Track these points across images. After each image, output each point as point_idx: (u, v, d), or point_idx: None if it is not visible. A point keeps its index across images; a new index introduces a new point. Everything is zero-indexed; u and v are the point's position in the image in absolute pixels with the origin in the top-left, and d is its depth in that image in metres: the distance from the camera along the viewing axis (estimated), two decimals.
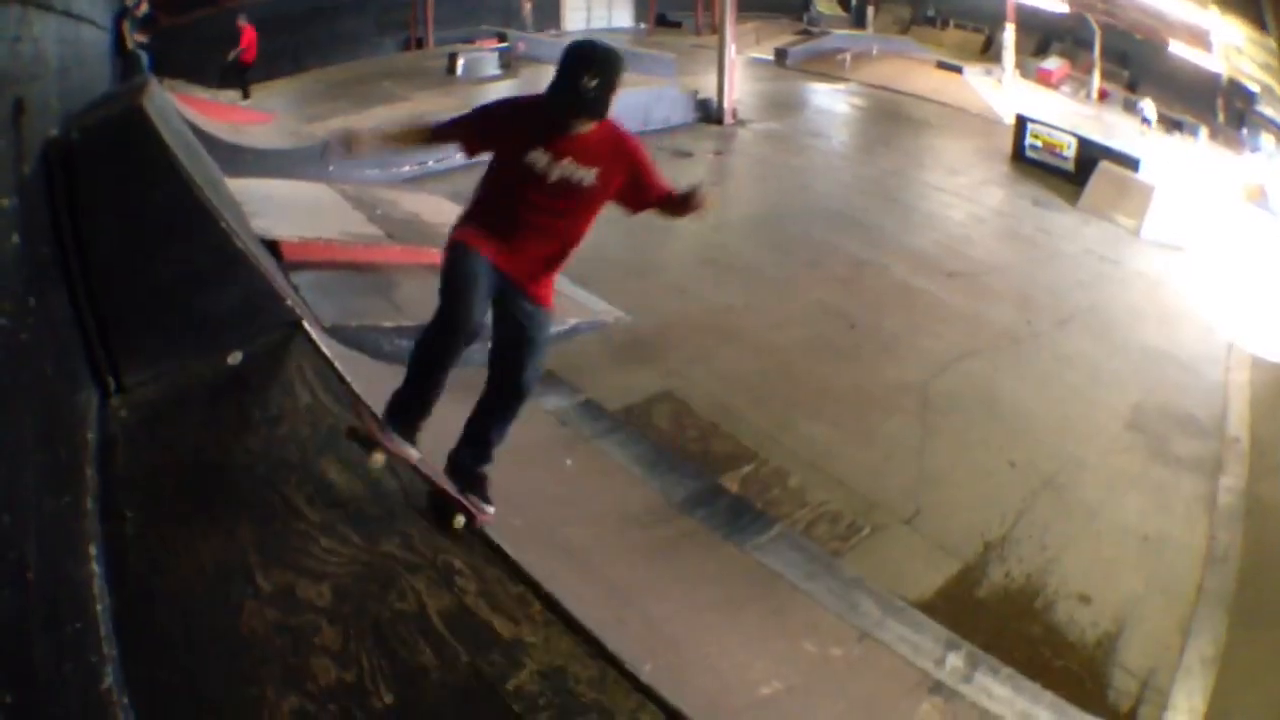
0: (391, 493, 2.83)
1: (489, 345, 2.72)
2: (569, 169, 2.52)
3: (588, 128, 2.53)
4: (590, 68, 2.43)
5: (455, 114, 2.74)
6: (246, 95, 12.97)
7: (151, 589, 2.30)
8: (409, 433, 2.64)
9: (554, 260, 2.66)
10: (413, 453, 2.64)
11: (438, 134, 2.79)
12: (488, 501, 2.81)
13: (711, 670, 3.00)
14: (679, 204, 2.65)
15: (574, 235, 2.65)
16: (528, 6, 21.98)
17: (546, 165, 2.51)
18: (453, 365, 2.56)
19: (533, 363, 2.65)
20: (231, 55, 12.95)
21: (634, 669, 2.36)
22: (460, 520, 2.74)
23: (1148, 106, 17.17)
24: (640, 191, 2.66)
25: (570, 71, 2.44)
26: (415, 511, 2.77)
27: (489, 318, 2.66)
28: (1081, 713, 3.33)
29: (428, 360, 2.58)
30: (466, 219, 2.64)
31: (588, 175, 2.54)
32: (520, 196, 2.54)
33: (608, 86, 2.46)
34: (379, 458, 2.61)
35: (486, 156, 2.70)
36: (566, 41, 2.88)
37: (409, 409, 2.64)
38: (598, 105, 2.47)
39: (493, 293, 2.55)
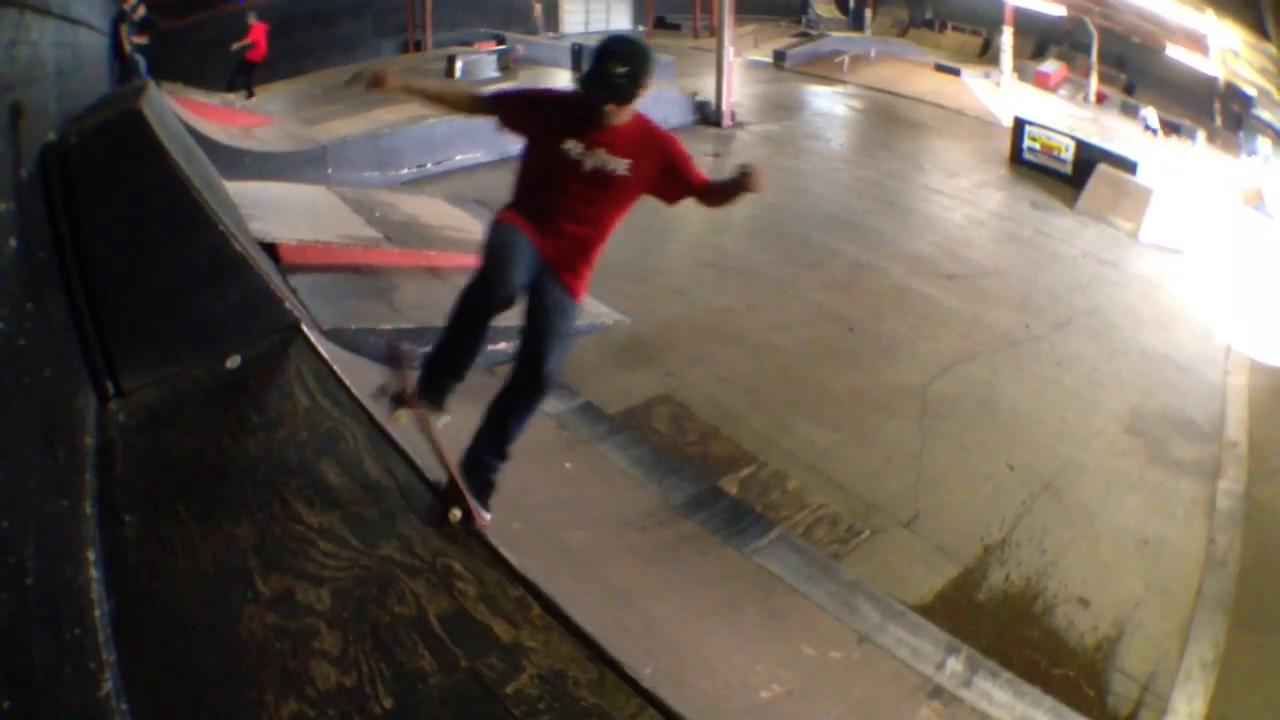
0: (390, 496, 2.82)
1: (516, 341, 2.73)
2: (602, 159, 2.61)
3: (620, 120, 2.62)
4: (618, 58, 2.54)
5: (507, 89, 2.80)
6: (251, 94, 12.86)
7: (151, 593, 2.30)
8: (439, 396, 2.71)
9: (587, 249, 2.71)
10: (444, 417, 2.72)
11: (480, 106, 2.82)
12: (487, 508, 2.82)
13: (711, 673, 3.00)
14: (724, 192, 2.76)
15: (606, 226, 2.72)
16: (537, 8, 22.03)
17: (580, 155, 2.60)
18: (485, 328, 2.62)
19: (556, 354, 2.66)
20: (235, 47, 12.70)
21: (634, 673, 2.35)
22: (456, 514, 2.73)
23: (1150, 115, 16.82)
24: (676, 183, 2.77)
25: (600, 59, 2.55)
26: (414, 514, 2.76)
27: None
28: (1081, 717, 3.33)
29: (463, 316, 2.61)
30: (509, 205, 2.70)
31: (620, 165, 2.63)
32: (557, 184, 2.63)
33: (636, 76, 2.55)
34: (403, 414, 2.70)
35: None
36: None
37: (440, 365, 2.69)
38: (624, 92, 2.55)
39: (530, 273, 2.57)
